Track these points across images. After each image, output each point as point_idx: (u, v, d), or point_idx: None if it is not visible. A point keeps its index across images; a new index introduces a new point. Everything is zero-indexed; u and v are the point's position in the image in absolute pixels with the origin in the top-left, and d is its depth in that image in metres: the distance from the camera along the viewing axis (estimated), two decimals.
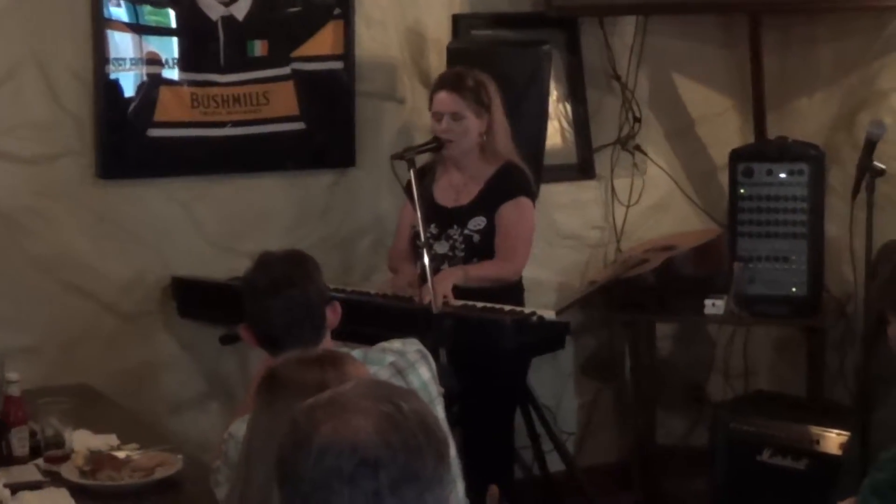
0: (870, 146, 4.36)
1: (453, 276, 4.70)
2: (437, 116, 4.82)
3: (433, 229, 4.85)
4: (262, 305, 3.25)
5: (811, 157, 5.31)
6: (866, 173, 4.36)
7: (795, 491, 4.75)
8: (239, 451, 2.60)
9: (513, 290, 4.89)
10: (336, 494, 1.68)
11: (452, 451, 3.34)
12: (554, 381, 5.88)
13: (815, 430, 4.94)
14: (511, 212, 4.84)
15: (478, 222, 4.84)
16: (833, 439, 4.88)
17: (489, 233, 4.83)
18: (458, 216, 4.88)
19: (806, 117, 5.91)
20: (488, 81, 4.84)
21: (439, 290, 4.54)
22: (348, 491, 1.68)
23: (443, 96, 4.82)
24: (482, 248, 4.83)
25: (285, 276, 3.28)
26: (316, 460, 1.69)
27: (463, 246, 4.84)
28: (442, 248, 4.86)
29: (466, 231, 4.84)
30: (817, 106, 5.90)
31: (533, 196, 4.96)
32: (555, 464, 5.41)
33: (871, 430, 4.53)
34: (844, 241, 5.22)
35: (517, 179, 4.89)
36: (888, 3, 5.24)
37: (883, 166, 4.37)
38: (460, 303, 4.58)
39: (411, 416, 1.73)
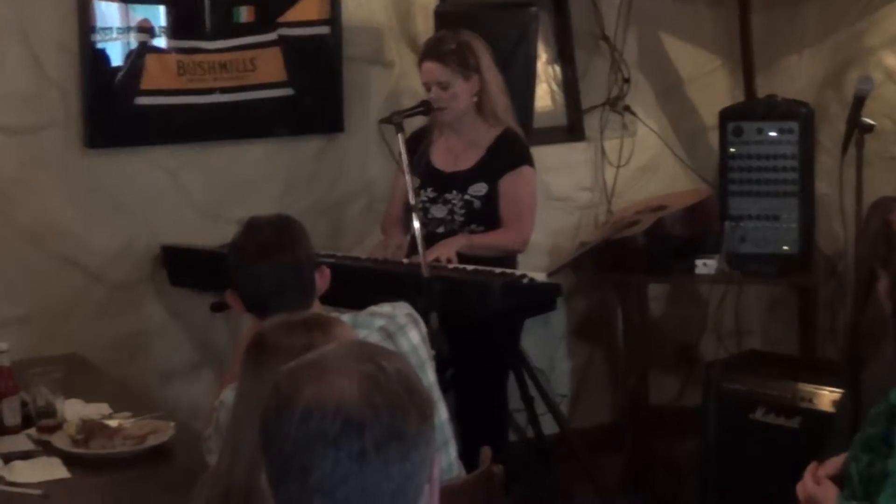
0: (858, 102, 4.36)
1: (457, 243, 4.72)
2: (426, 86, 4.82)
3: (430, 193, 4.84)
4: (251, 270, 3.23)
5: (800, 115, 5.31)
6: (855, 130, 4.35)
7: (788, 449, 4.75)
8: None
9: (506, 255, 4.89)
10: (321, 456, 1.68)
11: (444, 413, 3.36)
12: (546, 343, 5.89)
13: (808, 387, 4.93)
14: (515, 182, 4.85)
15: (479, 188, 4.84)
16: (825, 397, 4.88)
17: (490, 199, 4.83)
18: (457, 181, 4.87)
19: (795, 75, 5.91)
20: (474, 41, 4.82)
21: (444, 254, 4.56)
22: (333, 452, 1.68)
23: (427, 66, 4.81)
24: (483, 214, 4.83)
25: (273, 241, 3.27)
26: (299, 423, 1.69)
27: (463, 211, 4.83)
28: (440, 211, 4.85)
29: (467, 196, 4.83)
30: (806, 63, 5.90)
31: (533, 164, 4.96)
32: (549, 426, 5.42)
33: (863, 387, 4.54)
34: (835, 198, 5.22)
35: (518, 148, 4.89)
36: None
37: (872, 122, 4.37)
38: (451, 266, 4.59)
39: (394, 376, 1.73)
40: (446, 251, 4.63)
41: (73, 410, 3.79)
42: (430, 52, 4.86)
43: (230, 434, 2.44)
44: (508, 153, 4.85)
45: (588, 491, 5.39)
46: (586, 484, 5.39)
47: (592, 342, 6.08)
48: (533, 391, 5.29)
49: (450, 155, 4.91)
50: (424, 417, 1.74)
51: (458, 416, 4.47)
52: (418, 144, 4.89)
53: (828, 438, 4.63)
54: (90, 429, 3.60)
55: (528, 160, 4.90)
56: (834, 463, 3.18)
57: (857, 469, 3.03)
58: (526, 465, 5.46)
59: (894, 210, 3.10)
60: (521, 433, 5.62)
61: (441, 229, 4.81)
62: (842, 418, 4.73)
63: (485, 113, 4.85)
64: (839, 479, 3.13)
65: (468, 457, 3.40)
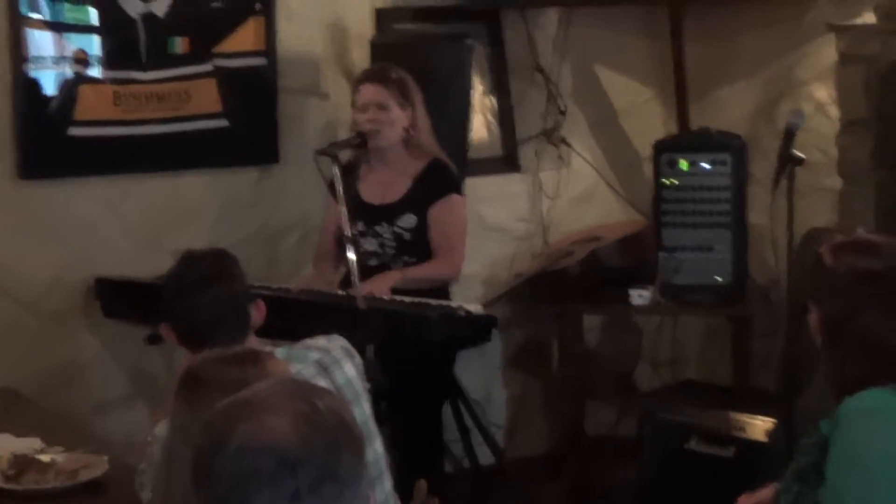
0: (789, 135, 4.40)
1: (392, 278, 4.72)
2: (363, 108, 4.82)
3: (360, 226, 4.84)
4: (186, 303, 3.23)
5: (733, 147, 5.36)
6: (787, 162, 4.39)
7: (723, 478, 4.78)
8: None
9: (439, 285, 4.90)
10: (255, 495, 1.67)
11: (379, 446, 3.35)
12: (483, 374, 5.89)
13: (742, 417, 4.97)
14: (444, 211, 4.86)
15: (408, 220, 4.84)
16: (759, 426, 4.92)
17: (420, 230, 4.84)
18: (387, 213, 4.88)
19: (728, 107, 5.95)
20: (410, 79, 4.85)
21: (377, 291, 4.57)
22: (268, 491, 1.67)
23: (368, 87, 4.82)
24: (413, 246, 4.84)
25: (209, 273, 3.27)
26: (233, 462, 1.68)
27: (393, 243, 4.84)
28: (370, 245, 4.85)
29: (396, 229, 4.84)
30: (739, 95, 5.95)
31: (462, 192, 4.98)
32: (485, 456, 5.42)
33: (796, 416, 4.57)
34: (767, 229, 5.26)
35: (446, 176, 4.91)
36: None
37: (802, 155, 4.41)
38: (388, 298, 4.59)
39: (328, 414, 1.73)
40: (380, 287, 4.63)
41: (5, 445, 3.75)
42: (373, 75, 4.88)
43: (163, 470, 2.43)
44: (437, 182, 4.87)
45: None
46: None
47: (528, 372, 6.09)
48: (469, 422, 5.29)
49: (378, 187, 4.92)
50: (357, 455, 1.73)
51: (393, 448, 4.45)
52: (346, 178, 4.89)
53: (762, 467, 4.66)
54: (22, 463, 3.57)
55: (456, 188, 4.92)
56: (764, 493, 3.20)
57: (789, 499, 3.05)
58: (463, 495, 5.45)
59: (826, 242, 3.13)
60: (458, 464, 5.61)
61: (373, 262, 4.82)
62: (776, 447, 4.76)
63: (412, 147, 4.87)
64: None
65: (405, 489, 3.39)
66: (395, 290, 4.67)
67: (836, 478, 2.90)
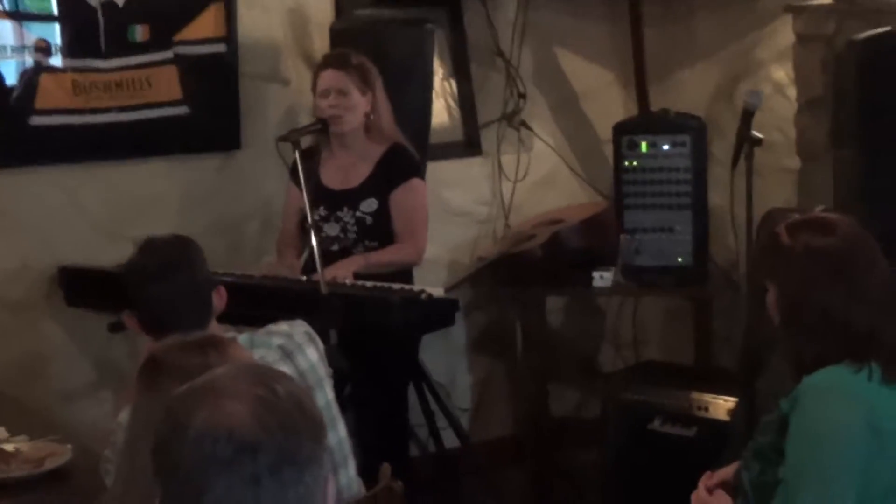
0: (747, 116, 4.40)
1: (354, 263, 4.73)
2: (324, 94, 4.82)
3: (322, 211, 4.84)
4: (148, 291, 3.23)
5: (693, 129, 5.39)
6: (745, 143, 4.40)
7: (686, 457, 4.80)
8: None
9: (402, 269, 4.91)
10: (214, 480, 1.68)
11: (343, 431, 3.36)
12: (447, 358, 5.90)
13: (704, 397, 5.01)
14: (405, 195, 4.86)
15: (370, 204, 4.85)
16: (721, 406, 4.96)
17: (381, 215, 4.84)
18: (348, 198, 4.88)
19: (687, 89, 5.98)
20: (370, 64, 4.86)
21: (340, 275, 4.57)
22: (227, 476, 1.68)
23: (329, 73, 4.83)
24: (375, 230, 4.84)
25: (170, 261, 3.28)
26: (193, 447, 1.69)
27: (355, 228, 4.84)
28: (332, 230, 4.86)
29: (358, 213, 4.84)
30: (698, 77, 5.98)
31: (423, 176, 4.99)
32: (450, 440, 5.43)
33: (757, 396, 4.60)
34: (727, 210, 5.29)
35: (407, 161, 4.91)
36: None
37: (760, 135, 4.42)
38: (350, 283, 4.60)
39: (286, 398, 1.73)
40: (343, 272, 4.64)
41: None
42: (334, 61, 4.88)
43: (125, 456, 2.43)
44: (397, 167, 4.88)
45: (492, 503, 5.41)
46: (489, 497, 5.41)
47: (492, 356, 6.11)
48: (433, 405, 5.31)
49: (339, 172, 4.92)
50: (317, 439, 1.74)
51: (357, 433, 4.47)
52: (307, 163, 4.89)
53: (725, 446, 4.69)
54: None
55: (417, 172, 4.94)
56: (725, 472, 3.23)
57: (750, 477, 3.08)
58: (428, 479, 5.47)
59: (783, 222, 3.15)
60: (423, 448, 5.63)
61: (335, 247, 4.82)
62: (738, 426, 4.79)
63: (373, 132, 4.88)
64: (732, 488, 3.18)
65: (370, 473, 3.40)
66: (358, 275, 4.67)
67: (795, 455, 2.93)
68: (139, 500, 2.30)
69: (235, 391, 1.73)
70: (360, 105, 4.83)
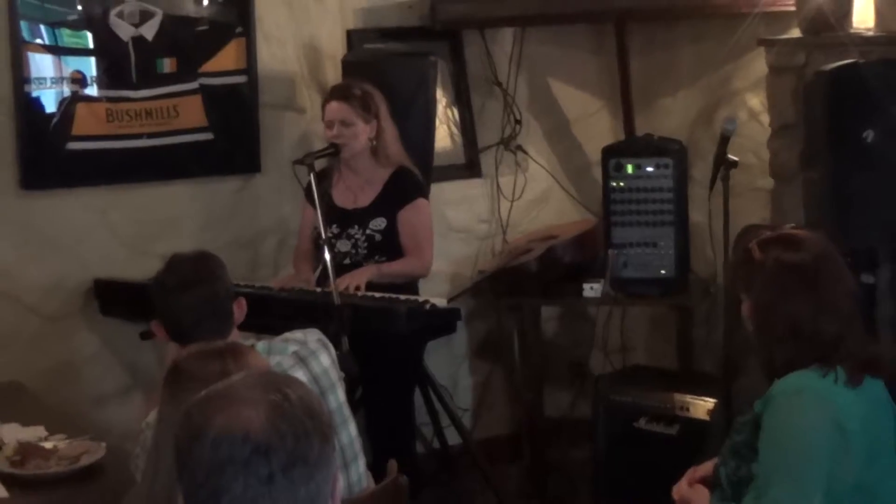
0: (724, 141, 4.42)
1: (367, 272, 4.74)
2: (329, 124, 4.85)
3: (334, 229, 4.85)
4: (172, 302, 3.24)
5: (674, 152, 5.38)
6: (722, 165, 4.41)
7: (669, 454, 4.80)
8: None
9: (409, 281, 4.92)
10: (231, 480, 1.68)
11: (354, 430, 3.36)
12: (450, 362, 5.90)
13: (685, 398, 5.01)
14: (412, 214, 4.88)
15: (378, 223, 4.86)
16: (701, 406, 4.96)
17: (390, 232, 4.85)
18: (358, 217, 4.89)
19: (670, 115, 5.98)
20: (374, 92, 4.88)
21: (354, 283, 4.59)
22: (244, 476, 1.68)
23: (333, 105, 4.84)
24: (384, 246, 4.85)
25: (193, 275, 3.28)
26: (211, 450, 1.69)
27: (366, 244, 4.85)
28: (344, 246, 4.86)
29: (368, 231, 4.85)
30: (680, 104, 5.98)
31: (427, 196, 5.00)
32: (452, 438, 5.43)
33: (735, 397, 4.60)
34: (706, 226, 5.31)
35: (412, 183, 4.93)
36: (737, 10, 5.31)
37: (736, 158, 4.43)
38: (360, 294, 4.61)
39: (298, 403, 1.74)
40: (356, 280, 4.65)
41: (11, 433, 3.75)
42: (337, 93, 4.89)
43: (151, 457, 2.43)
44: (404, 188, 4.89)
45: (489, 497, 5.40)
46: (488, 491, 5.40)
47: (491, 360, 6.10)
48: (437, 406, 5.31)
49: (350, 193, 4.93)
50: (325, 440, 1.75)
51: (367, 432, 4.48)
52: (320, 185, 4.90)
53: (704, 444, 4.69)
54: (27, 450, 3.57)
55: (422, 193, 4.95)
56: (706, 467, 3.23)
57: (726, 473, 3.08)
58: (432, 474, 5.47)
59: (755, 238, 3.15)
60: (428, 445, 5.63)
61: (347, 261, 4.83)
62: (717, 425, 4.79)
63: (379, 155, 4.89)
64: (710, 482, 3.18)
65: (380, 469, 3.40)
66: (370, 284, 4.68)
67: (767, 452, 2.93)
68: (164, 497, 2.31)
69: (250, 397, 1.73)
70: (362, 132, 4.84)
